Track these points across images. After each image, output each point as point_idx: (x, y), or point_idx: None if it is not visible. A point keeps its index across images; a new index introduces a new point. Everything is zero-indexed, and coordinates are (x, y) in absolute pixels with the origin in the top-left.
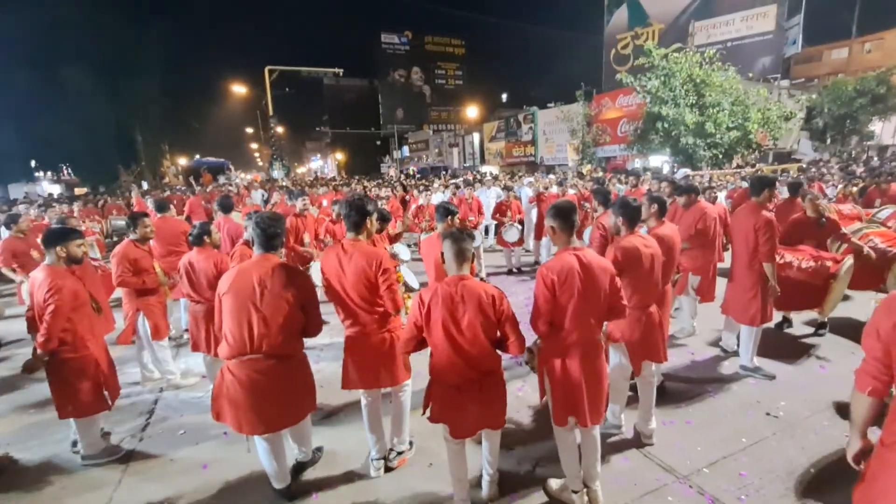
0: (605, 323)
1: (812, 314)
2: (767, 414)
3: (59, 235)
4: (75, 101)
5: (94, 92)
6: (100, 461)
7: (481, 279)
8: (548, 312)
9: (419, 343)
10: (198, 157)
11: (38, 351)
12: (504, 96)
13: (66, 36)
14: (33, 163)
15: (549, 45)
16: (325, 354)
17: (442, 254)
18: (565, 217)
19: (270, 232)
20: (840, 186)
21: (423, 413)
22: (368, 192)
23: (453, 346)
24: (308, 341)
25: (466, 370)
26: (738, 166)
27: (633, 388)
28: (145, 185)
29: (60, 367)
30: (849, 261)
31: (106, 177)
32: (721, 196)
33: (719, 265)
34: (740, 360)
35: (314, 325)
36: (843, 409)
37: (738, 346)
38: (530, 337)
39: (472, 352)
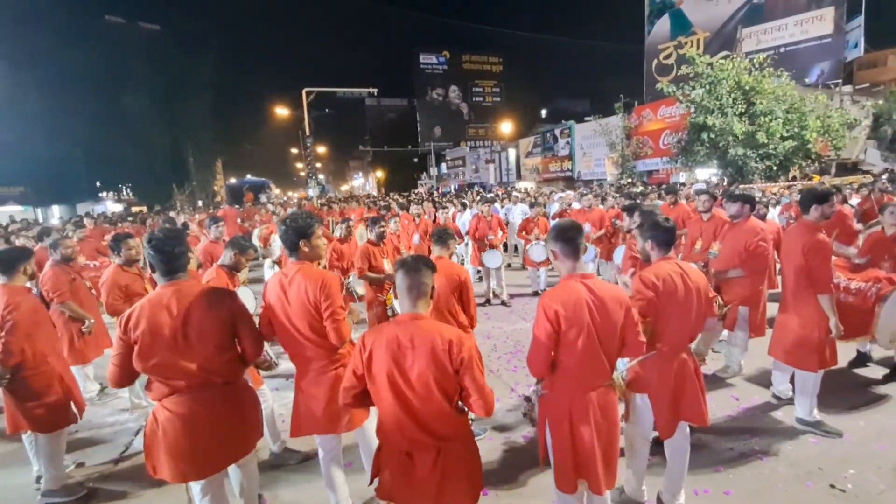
0: (625, 368)
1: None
2: (832, 486)
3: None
4: (135, 125)
5: (150, 116)
6: (59, 500)
7: (503, 302)
8: (549, 351)
9: (361, 396)
10: (249, 176)
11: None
12: (543, 112)
13: (126, 67)
14: (98, 183)
15: (589, 59)
16: None
17: (393, 286)
18: (568, 239)
19: (177, 252)
20: None
21: (370, 484)
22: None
23: (401, 403)
24: (283, 366)
25: (418, 434)
26: (793, 178)
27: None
28: (200, 203)
29: (21, 385)
30: None
31: (161, 196)
32: (774, 212)
33: (771, 291)
34: (797, 412)
35: (250, 347)
36: None
37: (793, 392)
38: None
39: (424, 411)
